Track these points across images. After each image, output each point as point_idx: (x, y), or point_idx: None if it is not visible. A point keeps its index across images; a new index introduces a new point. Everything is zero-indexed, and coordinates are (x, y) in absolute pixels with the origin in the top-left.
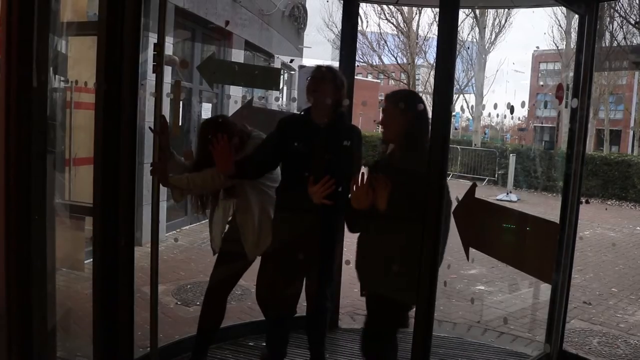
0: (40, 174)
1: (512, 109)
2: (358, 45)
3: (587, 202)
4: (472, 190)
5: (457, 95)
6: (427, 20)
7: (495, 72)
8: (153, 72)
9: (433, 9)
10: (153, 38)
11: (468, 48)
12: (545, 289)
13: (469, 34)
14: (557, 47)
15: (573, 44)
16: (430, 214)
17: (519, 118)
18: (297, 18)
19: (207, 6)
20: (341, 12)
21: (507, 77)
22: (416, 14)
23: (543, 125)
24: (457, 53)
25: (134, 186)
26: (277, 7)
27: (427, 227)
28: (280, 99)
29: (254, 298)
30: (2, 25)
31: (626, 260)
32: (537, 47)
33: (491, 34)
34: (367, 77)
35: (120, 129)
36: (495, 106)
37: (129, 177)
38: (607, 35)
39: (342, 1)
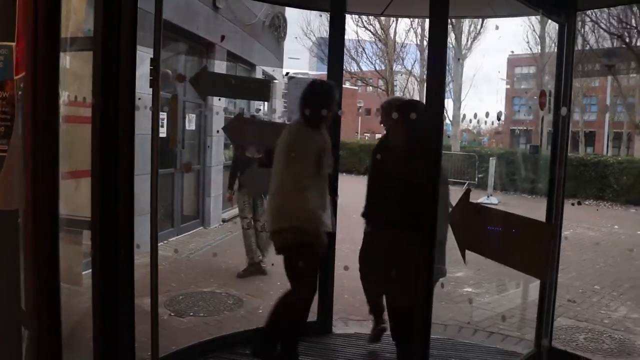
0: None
1: (499, 116)
2: None
3: (579, 203)
4: (466, 195)
5: None
6: (404, 28)
7: (472, 77)
8: (150, 87)
9: (411, 18)
10: (141, 52)
11: None
12: (533, 289)
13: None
14: (532, 51)
15: (547, 49)
16: (426, 220)
17: (492, 122)
18: (277, 27)
19: (190, 18)
20: (318, 21)
21: (483, 82)
22: (393, 21)
23: (519, 128)
24: None
25: (133, 198)
26: (258, 17)
27: (424, 233)
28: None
29: (247, 307)
30: (25, 39)
31: (606, 258)
32: (512, 52)
33: (467, 40)
34: (344, 85)
35: (118, 142)
36: (475, 115)
37: (127, 189)
38: (580, 39)
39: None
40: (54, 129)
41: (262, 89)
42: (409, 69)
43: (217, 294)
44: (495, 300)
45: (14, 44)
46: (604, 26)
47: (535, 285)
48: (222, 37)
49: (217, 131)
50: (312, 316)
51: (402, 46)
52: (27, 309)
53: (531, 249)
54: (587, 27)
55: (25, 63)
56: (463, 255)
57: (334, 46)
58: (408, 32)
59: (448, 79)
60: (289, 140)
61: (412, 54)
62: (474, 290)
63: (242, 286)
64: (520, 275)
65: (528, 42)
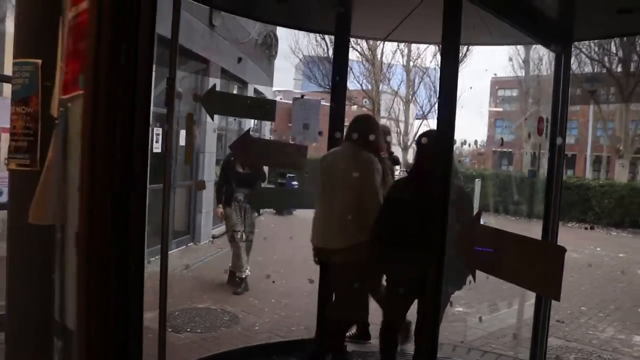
0: None
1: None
2: (324, 71)
3: (592, 228)
4: (477, 217)
5: (420, 121)
6: (390, 49)
7: (459, 98)
8: (165, 105)
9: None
10: None
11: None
12: (526, 308)
13: (431, 61)
14: (517, 74)
15: (531, 72)
16: (434, 243)
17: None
18: (269, 46)
19: (186, 35)
20: (307, 39)
21: (466, 103)
22: (380, 42)
23: (503, 149)
24: (420, 80)
25: (145, 214)
26: (251, 35)
27: (432, 256)
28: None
29: (243, 324)
30: (87, 60)
31: (591, 280)
32: (495, 74)
33: None
34: (328, 103)
35: (133, 159)
36: (465, 142)
37: (139, 206)
38: None
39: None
40: (113, 151)
41: (268, 109)
42: (395, 89)
43: (212, 310)
44: (488, 320)
45: (40, 61)
46: (585, 52)
47: (529, 304)
48: (239, 59)
49: (229, 147)
50: (310, 335)
51: (388, 66)
52: (77, 329)
53: (544, 270)
54: None
55: (85, 83)
56: (473, 275)
57: (338, 67)
58: (394, 53)
59: (434, 99)
60: (357, 163)
61: (399, 75)
62: (465, 309)
63: (237, 302)
64: (510, 295)
65: (513, 66)
